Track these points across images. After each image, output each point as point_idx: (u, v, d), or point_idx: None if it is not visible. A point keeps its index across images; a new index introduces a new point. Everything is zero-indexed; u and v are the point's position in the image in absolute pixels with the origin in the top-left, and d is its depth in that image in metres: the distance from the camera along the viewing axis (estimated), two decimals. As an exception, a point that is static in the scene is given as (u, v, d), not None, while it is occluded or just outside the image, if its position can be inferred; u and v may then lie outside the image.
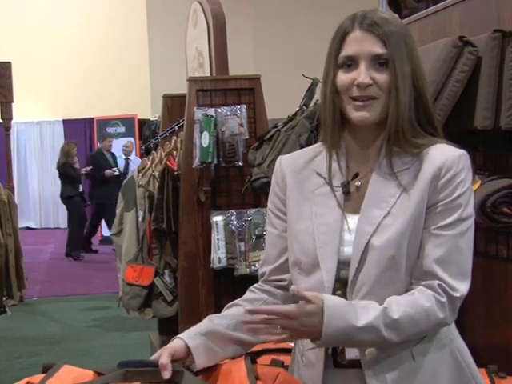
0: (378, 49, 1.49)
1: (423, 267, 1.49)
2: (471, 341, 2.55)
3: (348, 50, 1.51)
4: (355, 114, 1.52)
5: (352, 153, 1.60)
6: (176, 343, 1.58)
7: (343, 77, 1.52)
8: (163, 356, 1.51)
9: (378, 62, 1.49)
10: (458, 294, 1.47)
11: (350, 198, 1.58)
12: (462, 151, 1.52)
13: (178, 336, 1.60)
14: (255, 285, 1.74)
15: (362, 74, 1.48)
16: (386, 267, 1.49)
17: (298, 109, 3.37)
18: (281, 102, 7.65)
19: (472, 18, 2.54)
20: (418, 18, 2.89)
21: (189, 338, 1.58)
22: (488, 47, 2.23)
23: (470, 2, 2.55)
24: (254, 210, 3.92)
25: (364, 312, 1.44)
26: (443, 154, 1.50)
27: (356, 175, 1.58)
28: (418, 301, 1.46)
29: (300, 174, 1.65)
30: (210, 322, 1.63)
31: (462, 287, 1.48)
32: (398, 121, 1.50)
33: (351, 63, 1.51)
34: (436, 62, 2.27)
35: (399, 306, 1.46)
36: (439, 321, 1.48)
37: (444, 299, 1.47)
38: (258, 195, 4.03)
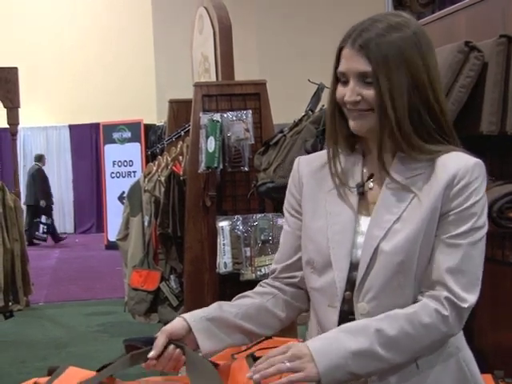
0: (363, 66, 1.48)
1: (433, 276, 1.48)
2: (478, 346, 2.55)
3: (341, 66, 1.53)
4: (351, 124, 1.54)
5: (368, 155, 1.61)
6: (177, 323, 1.60)
7: (339, 90, 1.55)
8: (160, 337, 1.56)
9: (366, 78, 1.49)
10: (466, 305, 1.46)
11: (365, 199, 1.58)
12: (477, 160, 1.51)
13: (183, 316, 1.62)
14: (265, 280, 1.75)
15: (348, 92, 1.51)
16: (394, 272, 1.48)
17: (303, 114, 3.38)
18: (286, 107, 7.66)
19: (478, 23, 2.55)
20: (424, 23, 2.89)
21: (194, 320, 1.59)
22: (494, 52, 2.23)
23: (475, 7, 2.55)
24: (259, 215, 3.92)
25: (353, 338, 1.43)
26: (457, 163, 1.49)
27: (371, 176, 1.59)
28: (417, 316, 1.45)
29: (317, 174, 1.66)
30: (219, 308, 1.65)
31: (471, 297, 1.46)
32: (383, 135, 1.50)
33: (345, 79, 1.53)
34: (442, 68, 2.27)
35: (396, 322, 1.44)
36: (443, 335, 1.47)
37: (447, 313, 1.45)
38: (264, 200, 4.03)
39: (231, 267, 3.85)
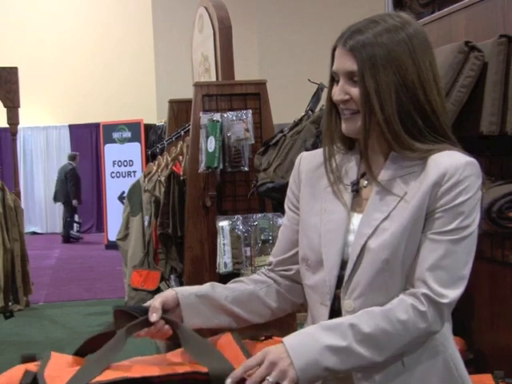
0: (350, 66, 1.51)
1: (416, 273, 1.48)
2: (478, 346, 2.55)
3: (334, 65, 1.56)
4: (343, 125, 1.57)
5: (364, 154, 1.61)
6: (169, 293, 1.63)
7: (333, 90, 1.57)
8: (155, 301, 1.59)
9: (353, 77, 1.51)
10: (445, 301, 1.45)
11: (359, 196, 1.59)
12: (471, 159, 1.50)
13: (174, 289, 1.65)
14: (262, 269, 1.78)
15: (336, 91, 1.54)
16: (380, 270, 1.48)
17: (303, 114, 3.38)
18: (287, 106, 7.67)
19: (478, 23, 2.55)
20: (423, 24, 2.89)
21: (183, 294, 1.63)
22: (494, 52, 2.23)
23: (475, 7, 2.55)
24: (259, 215, 3.92)
25: (328, 333, 1.43)
26: (449, 161, 1.49)
27: (363, 174, 1.60)
28: (394, 313, 1.45)
29: (316, 171, 1.68)
30: (211, 288, 1.68)
31: (452, 293, 1.46)
32: (367, 133, 1.52)
33: (338, 78, 1.56)
34: (442, 68, 2.27)
35: (371, 319, 1.45)
36: (422, 331, 1.46)
37: (424, 308, 1.44)
38: (264, 200, 4.03)
39: (231, 267, 3.85)
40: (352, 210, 1.58)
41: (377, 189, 1.55)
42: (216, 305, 1.65)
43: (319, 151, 1.72)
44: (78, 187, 14.19)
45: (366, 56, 1.48)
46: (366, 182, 1.59)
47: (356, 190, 1.59)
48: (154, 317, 1.55)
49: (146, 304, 1.61)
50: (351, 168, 1.62)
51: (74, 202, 14.01)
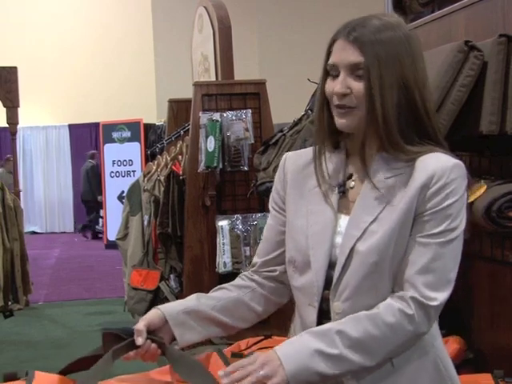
0: (355, 57, 1.49)
1: (404, 276, 1.48)
2: (477, 345, 2.55)
3: (332, 58, 1.53)
4: (338, 121, 1.54)
5: (351, 154, 1.61)
6: (154, 314, 1.64)
7: (328, 84, 1.55)
8: (139, 324, 1.60)
9: (356, 71, 1.49)
10: (434, 303, 1.45)
11: (345, 198, 1.59)
12: (457, 161, 1.50)
13: (159, 308, 1.65)
14: (245, 273, 1.79)
15: (338, 84, 1.51)
16: (368, 273, 1.48)
17: (303, 113, 3.37)
18: (286, 106, 7.66)
19: (477, 22, 2.55)
20: (423, 23, 2.89)
21: (170, 315, 1.63)
22: (494, 52, 2.23)
23: (475, 6, 2.55)
24: (259, 215, 3.92)
25: (317, 339, 1.44)
26: (436, 163, 1.48)
27: (350, 176, 1.59)
28: (380, 317, 1.45)
29: (301, 172, 1.67)
30: (197, 300, 1.68)
31: (440, 296, 1.46)
32: (368, 129, 1.51)
33: (335, 72, 1.53)
34: (441, 67, 2.27)
35: (359, 323, 1.45)
36: (410, 334, 1.47)
37: (412, 311, 1.45)
38: (264, 200, 4.03)
39: (231, 267, 3.85)
40: (339, 212, 1.57)
41: (364, 190, 1.54)
42: (204, 317, 1.66)
43: (304, 151, 1.72)
44: (101, 183, 14.28)
45: (372, 51, 1.47)
46: (352, 183, 1.58)
47: (343, 191, 1.58)
48: (139, 340, 1.57)
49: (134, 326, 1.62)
50: (337, 169, 1.60)
51: (99, 198, 14.03)
